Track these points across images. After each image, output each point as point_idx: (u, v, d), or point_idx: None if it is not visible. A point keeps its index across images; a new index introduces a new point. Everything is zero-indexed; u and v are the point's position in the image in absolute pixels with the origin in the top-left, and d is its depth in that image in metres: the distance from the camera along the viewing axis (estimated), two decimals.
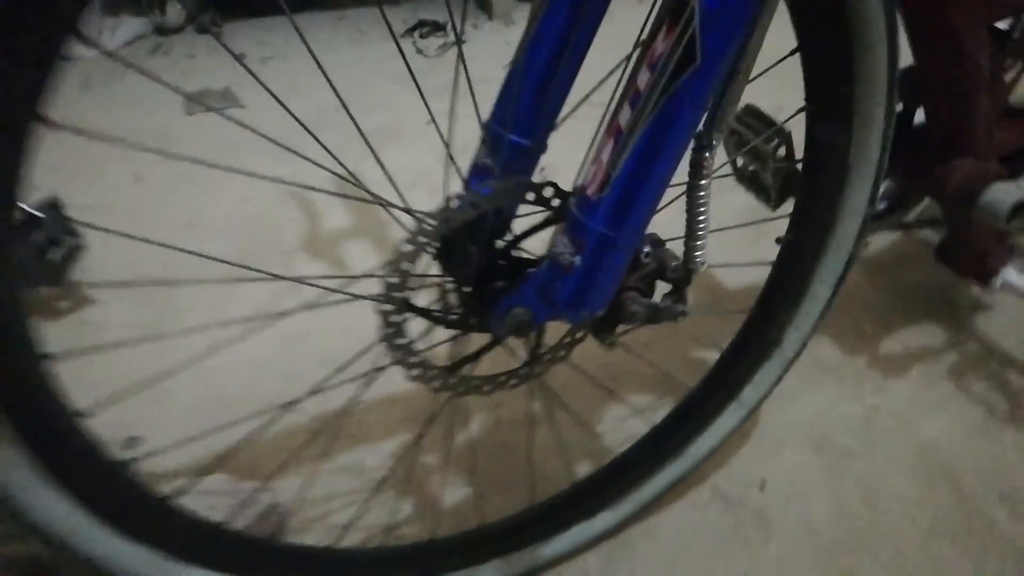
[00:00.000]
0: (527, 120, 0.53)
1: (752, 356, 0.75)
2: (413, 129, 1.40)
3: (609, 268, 0.52)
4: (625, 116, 0.48)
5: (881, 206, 0.87)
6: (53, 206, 0.97)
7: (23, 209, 0.92)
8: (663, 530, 0.80)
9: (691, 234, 0.54)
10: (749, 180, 0.79)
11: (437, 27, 1.81)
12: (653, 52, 0.46)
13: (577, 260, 0.50)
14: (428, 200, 0.51)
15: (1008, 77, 0.81)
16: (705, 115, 0.50)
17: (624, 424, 0.90)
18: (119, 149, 1.29)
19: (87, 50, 1.77)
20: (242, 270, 0.69)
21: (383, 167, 0.56)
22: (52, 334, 0.48)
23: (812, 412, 0.92)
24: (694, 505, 0.82)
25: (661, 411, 0.82)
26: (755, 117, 0.75)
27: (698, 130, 0.50)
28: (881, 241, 1.18)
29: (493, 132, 0.54)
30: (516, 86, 0.52)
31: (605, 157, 0.49)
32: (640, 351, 0.95)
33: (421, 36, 1.78)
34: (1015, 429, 0.89)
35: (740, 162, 0.79)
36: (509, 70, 0.53)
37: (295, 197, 1.26)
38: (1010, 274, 0.88)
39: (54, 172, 1.09)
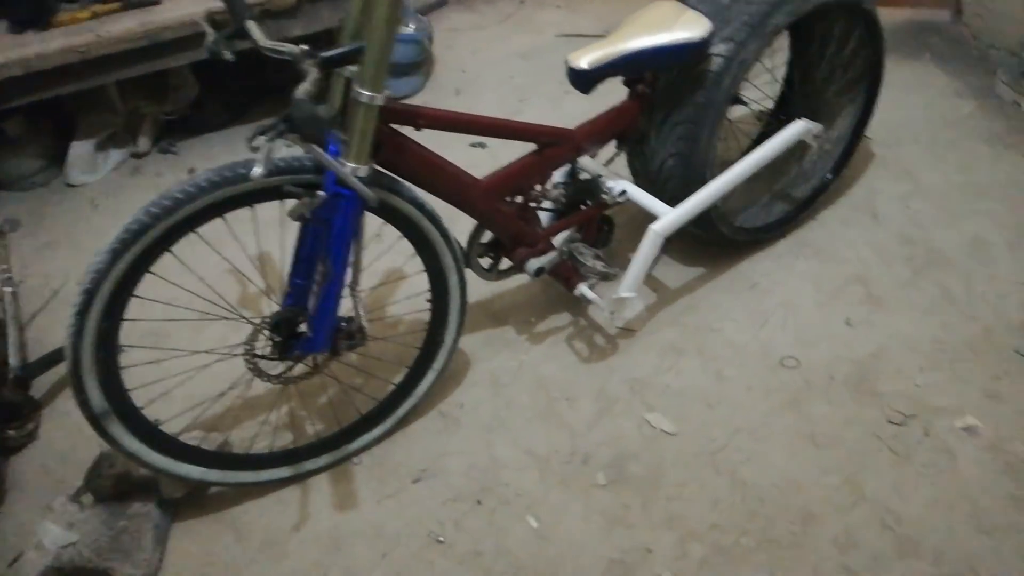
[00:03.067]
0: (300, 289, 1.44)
1: (431, 351, 1.68)
2: None
3: (319, 339, 1.43)
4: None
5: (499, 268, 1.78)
6: None
7: None
8: (414, 430, 1.73)
9: (356, 310, 1.46)
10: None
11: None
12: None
13: (311, 334, 1.42)
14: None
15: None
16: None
17: (375, 385, 1.83)
18: None
19: (88, 177, 2.66)
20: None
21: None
22: None
23: (492, 365, 1.85)
24: (427, 419, 1.76)
25: (396, 379, 1.74)
26: None
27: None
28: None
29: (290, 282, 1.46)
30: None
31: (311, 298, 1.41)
32: (379, 358, 1.88)
33: None
34: (605, 360, 1.82)
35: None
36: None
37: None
38: (583, 288, 1.80)
39: None
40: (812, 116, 2.02)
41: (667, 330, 1.88)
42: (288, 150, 1.35)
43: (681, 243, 2.08)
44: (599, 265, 1.65)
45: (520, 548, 1.49)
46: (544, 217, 1.82)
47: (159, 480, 1.56)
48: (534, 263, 1.70)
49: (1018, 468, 1.50)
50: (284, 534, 1.58)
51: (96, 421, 1.36)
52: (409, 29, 2.78)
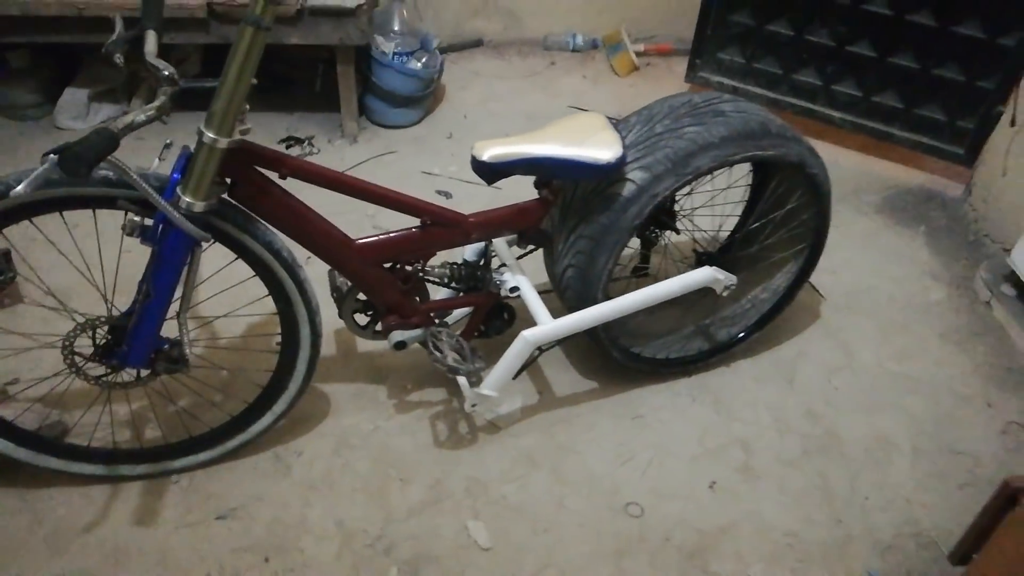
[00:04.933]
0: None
1: (273, 394, 1.65)
2: None
3: (134, 355, 1.41)
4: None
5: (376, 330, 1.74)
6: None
7: None
8: (243, 464, 1.69)
9: (181, 337, 1.44)
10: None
11: (299, 141, 2.72)
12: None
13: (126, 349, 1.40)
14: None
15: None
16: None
17: (214, 413, 1.80)
18: None
19: (76, 124, 2.73)
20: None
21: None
22: None
23: (348, 422, 1.80)
24: (256, 461, 1.72)
25: (238, 407, 1.70)
26: None
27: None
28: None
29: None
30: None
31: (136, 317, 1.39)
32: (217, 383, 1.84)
33: (287, 147, 2.69)
34: (457, 450, 1.76)
35: None
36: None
37: None
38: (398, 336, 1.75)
39: None
40: (747, 264, 1.94)
41: (532, 436, 1.80)
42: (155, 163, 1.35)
43: (585, 353, 2.01)
44: (451, 358, 1.59)
45: None
46: (444, 293, 1.78)
47: None
48: (397, 335, 1.65)
49: None
50: (73, 532, 1.55)
51: None
52: (417, 65, 2.78)
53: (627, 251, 1.71)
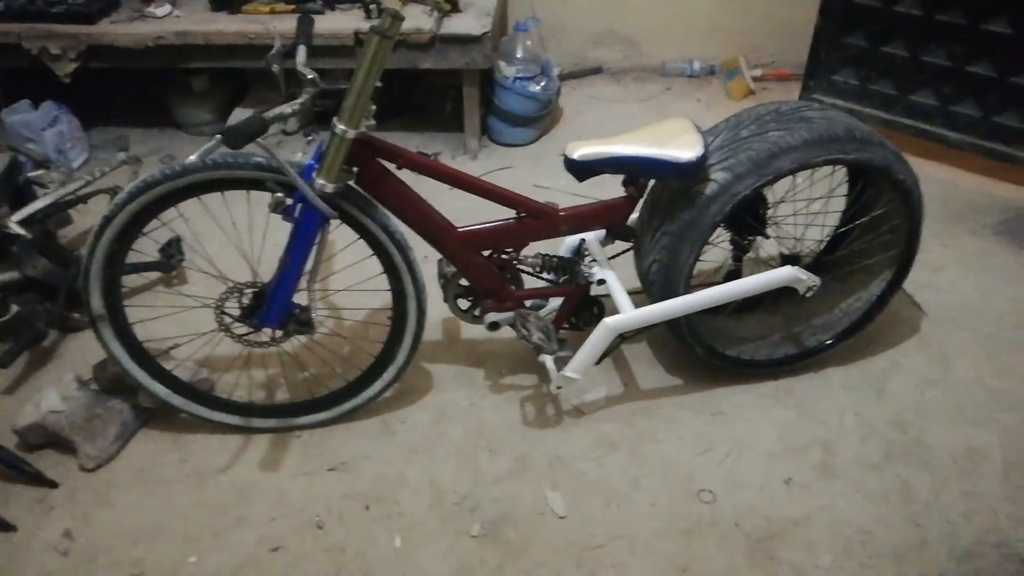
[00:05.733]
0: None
1: (383, 364, 1.86)
2: None
3: (270, 316, 1.67)
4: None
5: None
6: None
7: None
8: (354, 427, 1.92)
9: (310, 303, 1.69)
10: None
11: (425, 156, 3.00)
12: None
13: (265, 309, 1.66)
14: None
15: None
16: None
17: (334, 380, 2.03)
18: None
19: None
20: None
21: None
22: None
23: (447, 397, 1.99)
24: (367, 424, 1.94)
25: (351, 375, 1.93)
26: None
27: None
28: None
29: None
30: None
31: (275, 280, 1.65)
32: (339, 352, 2.07)
33: None
34: (543, 430, 1.91)
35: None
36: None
37: None
38: (546, 357, 1.90)
39: None
40: (838, 271, 1.97)
41: (613, 424, 1.91)
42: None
43: (673, 352, 2.10)
44: (536, 336, 1.75)
45: (375, 558, 1.62)
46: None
47: (139, 390, 1.87)
48: (492, 316, 1.83)
49: None
50: (211, 470, 1.83)
51: (93, 320, 1.70)
52: (536, 88, 3.00)
53: (719, 258, 1.79)
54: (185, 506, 1.74)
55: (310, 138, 3.17)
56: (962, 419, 1.90)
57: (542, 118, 3.09)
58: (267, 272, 1.72)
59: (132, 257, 1.72)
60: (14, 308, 2.02)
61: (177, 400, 1.85)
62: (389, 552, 1.64)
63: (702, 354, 1.91)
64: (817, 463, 1.80)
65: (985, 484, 1.74)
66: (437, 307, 2.02)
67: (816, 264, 1.92)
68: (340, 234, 1.77)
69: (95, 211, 1.63)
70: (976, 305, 2.25)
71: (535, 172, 2.98)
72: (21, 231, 2.09)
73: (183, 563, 1.62)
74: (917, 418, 1.90)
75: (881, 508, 1.69)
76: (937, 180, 2.83)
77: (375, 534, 1.67)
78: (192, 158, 1.29)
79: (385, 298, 1.78)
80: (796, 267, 1.78)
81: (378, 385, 1.88)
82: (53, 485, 1.78)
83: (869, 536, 1.64)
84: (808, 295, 1.82)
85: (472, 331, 2.21)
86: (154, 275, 2.41)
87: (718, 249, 1.94)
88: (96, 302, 1.68)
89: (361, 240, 1.69)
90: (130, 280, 2.36)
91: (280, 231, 1.67)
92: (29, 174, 2.35)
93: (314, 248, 1.62)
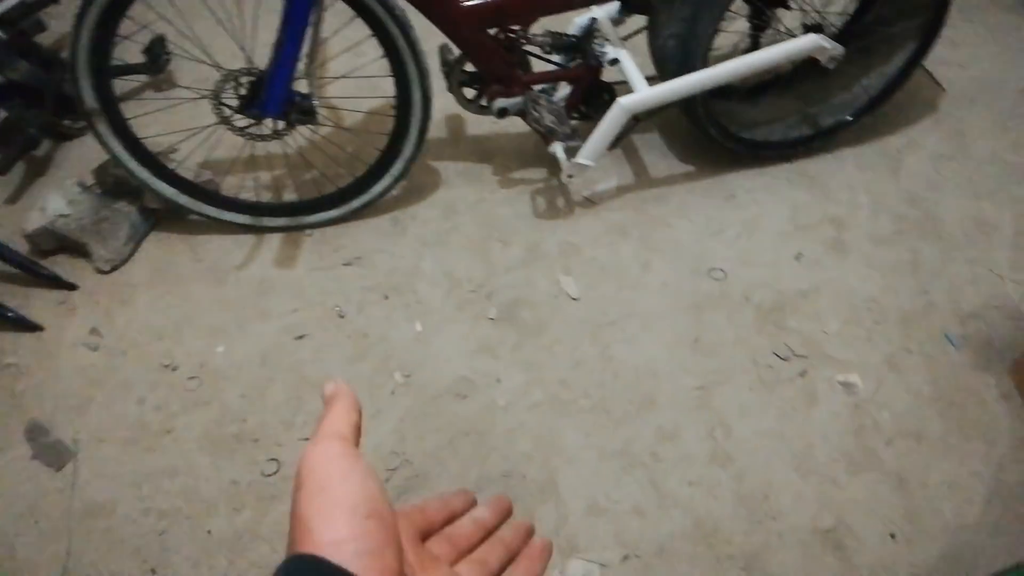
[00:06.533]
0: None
1: (390, 157, 1.82)
2: None
3: (270, 104, 1.61)
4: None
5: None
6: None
7: None
8: (366, 224, 1.92)
9: (310, 93, 1.62)
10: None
11: None
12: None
13: (264, 97, 1.60)
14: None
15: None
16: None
17: (340, 179, 2.00)
18: None
19: None
20: None
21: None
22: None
23: (457, 193, 1.98)
24: (378, 222, 1.93)
25: (359, 172, 1.90)
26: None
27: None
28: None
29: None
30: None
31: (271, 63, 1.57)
32: (345, 148, 2.03)
33: None
34: (554, 220, 1.91)
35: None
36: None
37: None
38: (556, 147, 1.86)
39: None
40: (861, 42, 1.88)
41: (624, 212, 1.91)
42: None
43: (685, 140, 2.05)
44: (548, 119, 1.69)
45: (398, 341, 1.68)
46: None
47: (144, 191, 1.84)
48: (500, 102, 1.77)
49: (868, 433, 1.48)
50: (228, 268, 1.84)
51: (88, 116, 1.64)
52: None
53: (737, 34, 1.68)
54: (206, 302, 1.77)
55: None
56: (975, 193, 1.90)
57: None
58: (263, 60, 1.63)
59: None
60: (1, 113, 1.95)
61: (184, 199, 1.82)
62: (410, 336, 1.69)
63: (717, 136, 1.86)
64: (828, 239, 1.82)
65: (993, 253, 1.77)
66: (440, 103, 1.94)
67: (839, 35, 1.82)
68: (337, 18, 1.67)
69: (69, 16, 1.51)
70: (995, 80, 2.18)
71: None
72: None
73: (211, 353, 1.67)
74: (930, 193, 1.90)
75: (889, 278, 1.73)
76: None
77: (395, 321, 1.72)
78: None
79: (388, 88, 1.71)
80: (820, 35, 1.70)
81: (386, 180, 1.86)
82: (72, 287, 1.80)
83: (876, 304, 1.69)
84: (831, 66, 1.75)
85: (478, 127, 2.15)
86: (143, 79, 2.31)
87: (730, 36, 1.84)
88: (88, 95, 1.60)
89: (360, 20, 1.60)
90: (119, 85, 2.26)
91: (272, 14, 1.57)
92: None
93: (309, 28, 1.52)
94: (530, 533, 0.52)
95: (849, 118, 1.95)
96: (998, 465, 1.43)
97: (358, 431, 0.46)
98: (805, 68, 2.04)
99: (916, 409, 1.52)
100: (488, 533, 0.51)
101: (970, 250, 1.77)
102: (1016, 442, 1.46)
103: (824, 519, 1.37)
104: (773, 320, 1.67)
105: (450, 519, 0.51)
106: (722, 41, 1.81)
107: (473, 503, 0.53)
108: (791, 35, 1.76)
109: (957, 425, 1.49)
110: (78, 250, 1.85)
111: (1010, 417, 1.50)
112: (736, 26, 1.90)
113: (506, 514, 0.53)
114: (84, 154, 2.08)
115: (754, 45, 1.95)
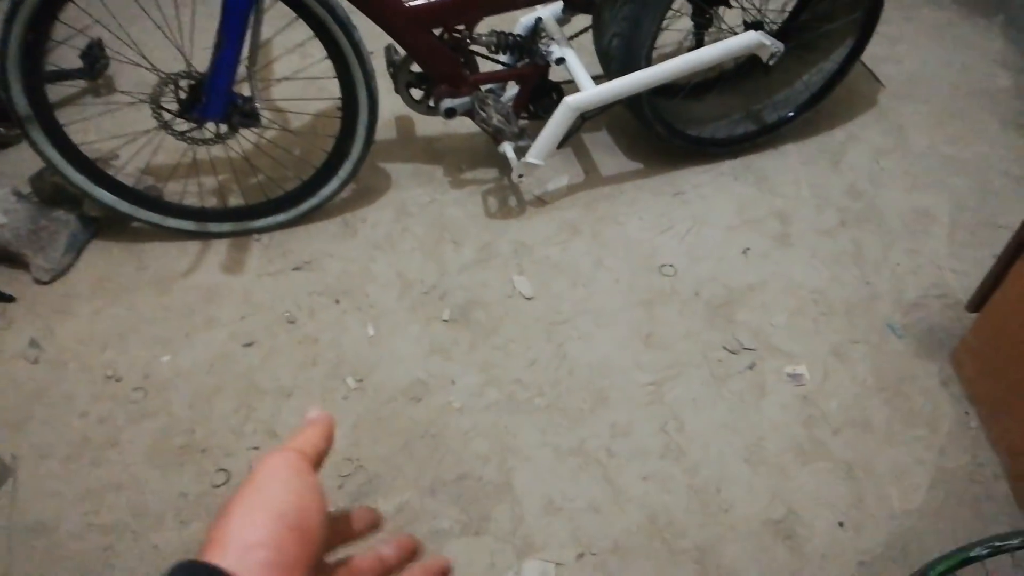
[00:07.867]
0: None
1: (338, 159, 1.80)
2: None
3: (211, 107, 1.58)
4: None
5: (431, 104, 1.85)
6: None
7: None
8: (315, 228, 1.89)
9: (252, 90, 1.59)
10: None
11: None
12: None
13: (204, 100, 1.57)
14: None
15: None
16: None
17: (288, 182, 1.97)
18: None
19: None
20: None
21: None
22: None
23: (407, 195, 1.96)
24: (327, 225, 1.91)
25: (306, 175, 1.88)
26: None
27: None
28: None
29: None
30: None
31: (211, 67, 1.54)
32: (292, 151, 2.00)
33: None
34: (506, 220, 1.90)
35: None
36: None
37: None
38: (506, 146, 1.86)
39: None
40: (801, 39, 1.92)
41: (575, 210, 1.92)
42: None
43: (633, 137, 2.07)
44: (496, 119, 1.69)
45: (350, 346, 1.66)
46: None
47: (83, 198, 1.79)
48: (448, 103, 1.76)
49: (817, 424, 1.51)
50: (174, 276, 1.80)
51: (21, 123, 1.58)
52: None
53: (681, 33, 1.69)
54: (151, 311, 1.73)
55: None
56: (913, 184, 1.95)
57: None
58: (203, 64, 1.60)
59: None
60: None
61: (125, 206, 1.78)
62: (363, 340, 1.67)
63: (663, 134, 1.88)
64: (774, 233, 1.85)
65: (932, 243, 1.82)
66: (389, 104, 1.93)
67: (780, 32, 1.86)
68: (279, 18, 1.64)
69: None
70: (932, 75, 2.25)
71: None
72: None
73: (156, 363, 1.63)
74: (871, 186, 1.95)
75: (834, 270, 1.77)
76: None
77: (347, 324, 1.70)
78: None
79: (335, 90, 1.69)
80: (760, 31, 1.73)
81: (334, 183, 1.83)
82: (10, 299, 1.74)
83: (821, 295, 1.72)
84: (771, 63, 1.78)
85: (427, 128, 2.14)
86: (81, 84, 2.24)
87: (674, 33, 1.86)
88: (20, 100, 1.55)
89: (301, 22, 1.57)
90: (56, 91, 2.19)
91: (211, 17, 1.53)
92: None
93: (249, 30, 1.50)
94: (445, 571, 0.50)
95: (791, 114, 1.99)
96: (940, 451, 1.47)
97: (321, 458, 0.45)
98: (748, 66, 2.07)
99: (862, 398, 1.55)
100: (388, 572, 0.48)
101: (910, 241, 1.82)
102: (957, 428, 1.51)
103: (775, 510, 1.40)
104: (723, 314, 1.69)
105: (346, 539, 0.49)
106: (667, 39, 1.83)
107: (377, 523, 0.50)
108: (733, 33, 1.79)
109: (901, 413, 1.53)
110: (15, 261, 1.78)
111: (951, 403, 1.54)
112: (680, 24, 1.92)
113: (410, 554, 0.50)
114: (19, 162, 2.01)
115: (698, 43, 1.97)
